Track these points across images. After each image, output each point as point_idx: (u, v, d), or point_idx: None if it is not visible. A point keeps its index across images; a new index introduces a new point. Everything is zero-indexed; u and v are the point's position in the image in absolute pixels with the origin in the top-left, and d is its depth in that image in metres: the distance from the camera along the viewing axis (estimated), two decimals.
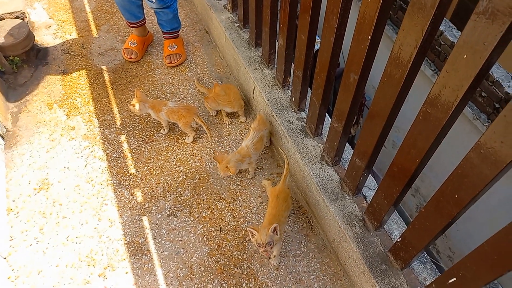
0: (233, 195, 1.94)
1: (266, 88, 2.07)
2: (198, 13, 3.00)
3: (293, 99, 1.93)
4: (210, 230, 1.81)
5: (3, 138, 2.15)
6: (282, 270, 1.69)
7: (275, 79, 2.10)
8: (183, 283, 1.65)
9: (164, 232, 1.81)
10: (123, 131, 2.22)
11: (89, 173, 2.02)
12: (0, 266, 1.67)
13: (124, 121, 2.27)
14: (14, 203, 1.90)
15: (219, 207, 1.90)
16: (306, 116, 1.87)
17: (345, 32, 1.34)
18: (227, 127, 2.24)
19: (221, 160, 1.82)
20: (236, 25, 2.45)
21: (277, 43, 2.03)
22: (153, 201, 1.92)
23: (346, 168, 1.58)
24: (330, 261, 1.72)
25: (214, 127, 2.24)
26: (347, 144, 1.68)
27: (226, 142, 2.17)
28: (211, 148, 2.14)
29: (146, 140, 2.17)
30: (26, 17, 2.73)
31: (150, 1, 2.31)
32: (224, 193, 1.95)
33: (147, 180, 2.00)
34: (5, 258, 1.72)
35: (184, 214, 1.87)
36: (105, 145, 2.14)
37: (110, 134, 2.20)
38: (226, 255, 1.73)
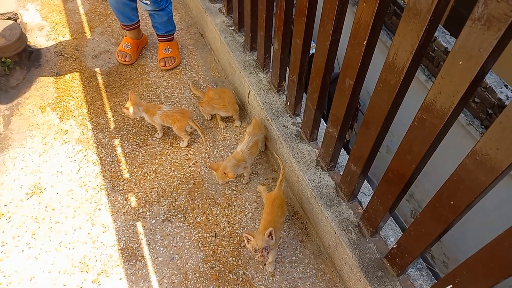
0: (228, 200, 1.93)
1: (261, 93, 2.06)
2: (193, 16, 2.99)
3: (288, 103, 1.92)
4: (205, 236, 1.80)
5: None
6: (277, 277, 1.67)
7: (270, 83, 2.09)
8: None
9: (159, 237, 1.79)
10: (117, 135, 2.19)
11: (82, 178, 2.00)
12: None
13: (118, 124, 2.25)
14: (5, 208, 1.87)
15: (214, 213, 1.88)
16: (301, 121, 1.86)
17: (340, 36, 1.34)
18: (222, 131, 2.23)
19: (217, 168, 1.79)
20: (231, 28, 2.44)
21: (272, 47, 2.03)
22: (147, 206, 1.90)
23: (341, 174, 1.58)
24: (325, 267, 1.71)
25: (209, 132, 2.23)
26: (342, 150, 1.67)
27: (221, 147, 2.16)
28: (206, 153, 2.12)
29: (140, 144, 2.16)
30: (18, 18, 2.70)
31: (145, 3, 2.30)
32: (219, 198, 1.93)
33: (141, 185, 1.98)
34: None
35: (179, 220, 1.85)
36: (98, 149, 2.12)
37: (103, 138, 2.18)
38: (221, 261, 1.72)
